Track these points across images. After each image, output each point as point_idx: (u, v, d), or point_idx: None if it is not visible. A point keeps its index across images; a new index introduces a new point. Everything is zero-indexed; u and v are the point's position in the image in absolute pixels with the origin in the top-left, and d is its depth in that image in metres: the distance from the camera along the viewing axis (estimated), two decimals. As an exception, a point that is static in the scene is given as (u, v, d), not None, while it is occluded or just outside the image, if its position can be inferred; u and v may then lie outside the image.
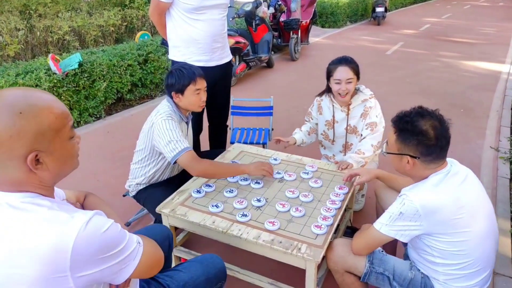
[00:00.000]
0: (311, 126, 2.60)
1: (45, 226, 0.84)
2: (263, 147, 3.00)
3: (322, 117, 2.50)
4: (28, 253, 0.81)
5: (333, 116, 2.43)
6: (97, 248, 0.88)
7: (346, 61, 2.28)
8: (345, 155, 2.48)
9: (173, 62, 2.56)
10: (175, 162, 1.92)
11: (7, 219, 0.85)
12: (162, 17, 2.47)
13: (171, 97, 2.04)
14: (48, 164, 0.90)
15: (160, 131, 1.92)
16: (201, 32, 2.40)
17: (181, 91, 1.99)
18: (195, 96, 2.01)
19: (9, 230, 0.83)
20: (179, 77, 1.97)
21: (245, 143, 2.93)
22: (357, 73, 2.27)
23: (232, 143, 2.89)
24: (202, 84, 2.01)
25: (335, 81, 2.28)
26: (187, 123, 2.16)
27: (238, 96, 3.55)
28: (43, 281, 0.81)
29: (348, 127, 2.40)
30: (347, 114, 2.38)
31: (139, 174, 2.14)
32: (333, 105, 2.41)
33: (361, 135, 2.37)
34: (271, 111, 3.22)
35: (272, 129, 3.24)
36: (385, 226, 1.43)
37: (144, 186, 2.17)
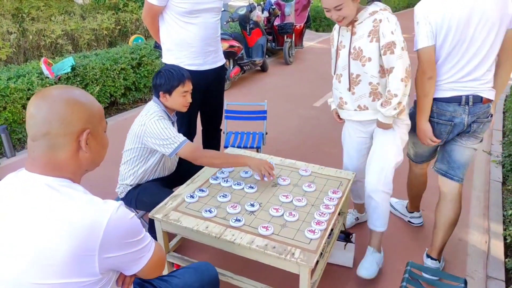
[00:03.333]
0: None
1: (82, 206, 0.93)
2: (257, 151, 3.00)
3: (333, 49, 2.06)
4: (63, 230, 0.88)
5: (339, 41, 1.98)
6: (124, 232, 0.97)
7: None
8: (353, 94, 1.99)
9: None
10: (174, 155, 2.01)
11: (46, 198, 0.93)
12: (155, 20, 2.47)
13: (158, 97, 2.08)
14: (92, 147, 1.03)
15: (155, 131, 1.96)
16: (194, 36, 2.40)
17: (169, 91, 2.04)
18: (182, 97, 2.07)
19: (48, 208, 0.91)
20: (168, 78, 2.03)
21: (238, 147, 2.93)
22: None
23: (226, 147, 2.88)
24: (189, 86, 2.08)
25: (325, 9, 1.86)
26: (173, 122, 2.17)
27: (232, 100, 3.56)
28: (72, 258, 0.88)
29: (352, 51, 1.89)
30: (352, 34, 1.89)
31: (128, 175, 2.15)
32: (339, 27, 1.98)
33: (370, 59, 1.86)
34: (265, 115, 3.22)
35: (266, 133, 3.24)
36: (418, 42, 1.86)
37: (134, 186, 2.17)
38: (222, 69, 2.68)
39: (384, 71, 1.90)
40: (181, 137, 1.99)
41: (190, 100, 2.12)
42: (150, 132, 1.97)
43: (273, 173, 2.00)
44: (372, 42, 1.84)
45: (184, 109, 2.14)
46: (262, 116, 3.23)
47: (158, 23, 2.48)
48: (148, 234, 1.09)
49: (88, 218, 0.91)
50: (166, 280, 1.38)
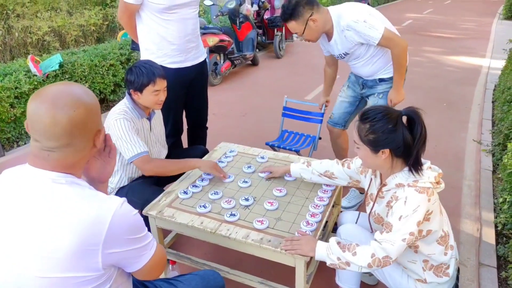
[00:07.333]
0: (330, 170, 1.84)
1: (87, 200, 0.93)
2: (299, 154, 2.80)
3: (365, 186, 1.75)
4: (68, 224, 0.88)
5: (370, 191, 1.69)
6: (128, 228, 0.97)
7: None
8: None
9: None
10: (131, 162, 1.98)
11: (50, 192, 0.92)
12: (132, 19, 2.38)
13: (130, 93, 2.01)
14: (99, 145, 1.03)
15: (113, 130, 1.93)
16: (174, 33, 2.33)
17: (139, 90, 1.96)
18: (154, 96, 1.98)
19: (53, 202, 0.90)
20: (138, 76, 1.94)
21: (278, 147, 2.90)
22: (371, 141, 1.43)
23: (267, 144, 2.90)
24: (161, 84, 1.98)
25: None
26: (148, 119, 2.12)
27: (221, 95, 3.53)
28: (76, 252, 0.88)
29: (372, 214, 1.63)
30: (376, 197, 1.60)
31: (112, 181, 2.11)
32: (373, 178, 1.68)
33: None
34: (322, 118, 2.98)
35: (320, 138, 3.03)
36: None
37: (121, 186, 2.13)
38: (204, 65, 2.63)
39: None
40: (141, 148, 1.94)
41: (163, 98, 2.02)
42: (111, 131, 1.93)
43: (222, 174, 2.02)
44: (387, 213, 1.52)
45: (158, 107, 2.06)
46: (318, 118, 3.00)
47: (135, 22, 2.39)
48: (150, 233, 1.08)
49: (93, 213, 0.91)
50: (171, 283, 1.36)
